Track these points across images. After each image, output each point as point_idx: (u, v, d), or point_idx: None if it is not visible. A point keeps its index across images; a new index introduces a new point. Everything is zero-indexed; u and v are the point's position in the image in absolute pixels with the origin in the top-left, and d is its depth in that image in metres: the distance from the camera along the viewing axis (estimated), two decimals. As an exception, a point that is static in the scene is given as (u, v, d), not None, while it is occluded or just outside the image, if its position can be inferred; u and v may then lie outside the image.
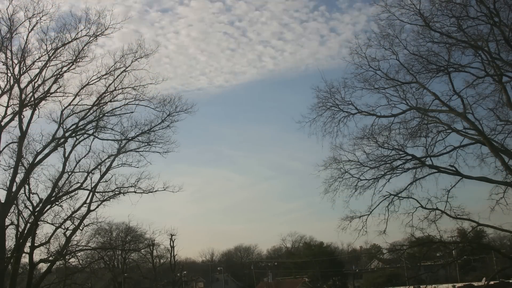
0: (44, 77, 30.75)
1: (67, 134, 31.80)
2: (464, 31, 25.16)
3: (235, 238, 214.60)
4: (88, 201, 32.34)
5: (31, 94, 30.51)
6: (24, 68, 30.18)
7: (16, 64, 29.94)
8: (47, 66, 30.56)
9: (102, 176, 32.71)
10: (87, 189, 32.49)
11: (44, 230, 32.68)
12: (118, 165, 33.08)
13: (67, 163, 31.88)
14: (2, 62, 29.80)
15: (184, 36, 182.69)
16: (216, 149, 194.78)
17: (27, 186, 30.73)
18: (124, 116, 32.79)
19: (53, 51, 30.29)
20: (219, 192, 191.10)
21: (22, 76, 30.18)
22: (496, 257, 62.77)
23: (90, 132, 32.63)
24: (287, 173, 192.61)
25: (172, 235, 75.21)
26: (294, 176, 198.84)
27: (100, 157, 32.73)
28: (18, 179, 29.95)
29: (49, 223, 31.81)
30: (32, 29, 29.69)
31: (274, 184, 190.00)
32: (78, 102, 31.79)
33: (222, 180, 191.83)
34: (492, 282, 44.10)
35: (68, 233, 32.06)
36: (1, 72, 30.07)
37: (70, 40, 30.45)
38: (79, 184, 32.42)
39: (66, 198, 32.48)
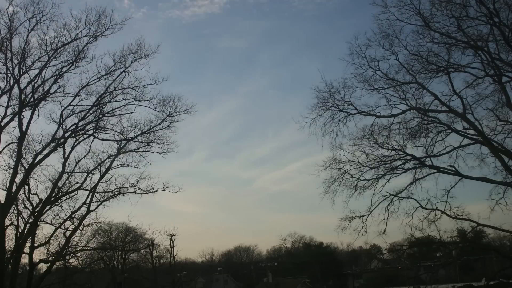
0: (44, 77, 30.66)
1: (66, 135, 31.73)
2: (464, 31, 25.17)
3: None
4: (87, 201, 32.32)
5: (31, 94, 30.43)
6: (24, 68, 30.08)
7: (16, 65, 29.83)
8: (47, 66, 30.46)
9: (102, 177, 32.67)
10: (87, 190, 32.45)
11: (44, 230, 32.83)
12: (118, 165, 33.02)
13: (66, 164, 31.84)
14: (2, 62, 29.70)
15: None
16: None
17: (26, 187, 30.74)
18: (124, 116, 32.68)
19: (53, 52, 30.20)
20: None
21: (22, 76, 30.08)
22: (496, 257, 62.72)
23: (90, 132, 32.53)
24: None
25: (171, 235, 75.11)
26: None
27: (100, 158, 32.68)
28: (17, 179, 29.91)
29: (49, 224, 31.90)
30: (32, 29, 29.59)
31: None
32: (78, 102, 31.71)
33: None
34: (492, 282, 44.00)
35: (68, 233, 32.10)
36: (1, 73, 29.98)
37: (70, 40, 30.39)
38: (78, 185, 32.39)
39: (66, 199, 32.49)
